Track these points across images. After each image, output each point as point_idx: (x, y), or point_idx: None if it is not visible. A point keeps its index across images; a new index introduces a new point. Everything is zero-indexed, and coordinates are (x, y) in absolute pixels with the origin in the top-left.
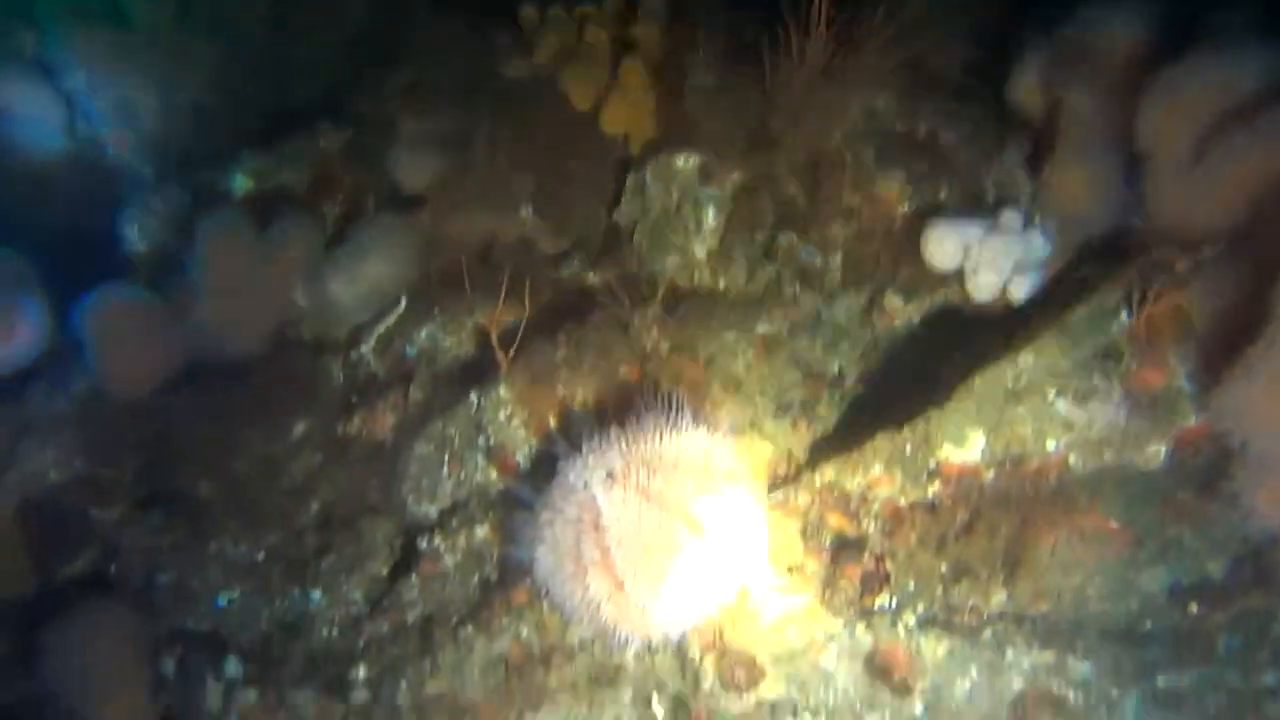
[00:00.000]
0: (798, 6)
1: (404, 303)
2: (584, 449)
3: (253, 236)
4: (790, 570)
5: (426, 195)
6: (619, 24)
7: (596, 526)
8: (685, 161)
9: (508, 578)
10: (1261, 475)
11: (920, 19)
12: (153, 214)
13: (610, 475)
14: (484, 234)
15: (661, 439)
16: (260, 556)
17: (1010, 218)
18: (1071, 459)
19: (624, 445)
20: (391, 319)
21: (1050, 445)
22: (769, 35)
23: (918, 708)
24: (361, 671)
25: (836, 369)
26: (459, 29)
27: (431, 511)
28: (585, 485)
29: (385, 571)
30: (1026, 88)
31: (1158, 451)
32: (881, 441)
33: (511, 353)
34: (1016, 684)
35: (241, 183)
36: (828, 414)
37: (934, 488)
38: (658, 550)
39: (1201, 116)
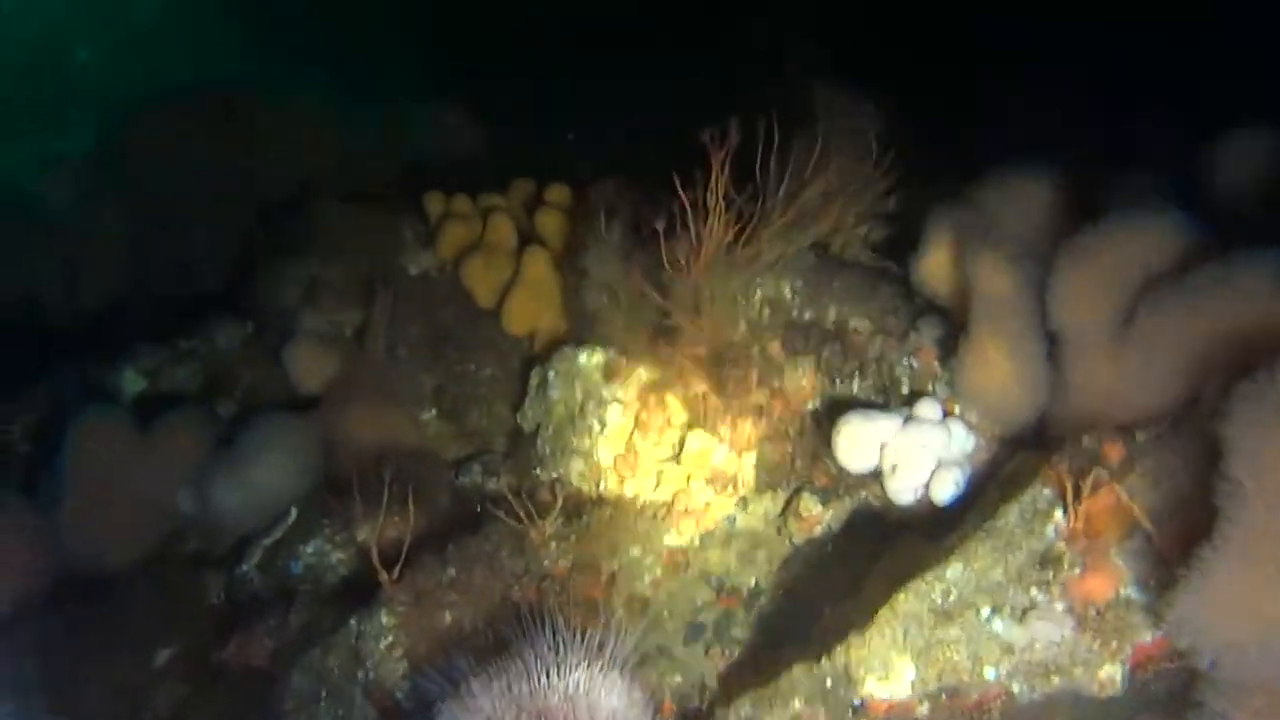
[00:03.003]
0: (695, 186)
1: (294, 513)
2: (461, 690)
3: (132, 432)
4: None
5: (323, 395)
6: (524, 214)
7: None
8: (588, 358)
9: None
10: (1238, 699)
11: (825, 197)
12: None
13: None
14: (382, 437)
15: (549, 678)
16: None
17: (927, 408)
18: (1015, 687)
19: (503, 687)
20: (279, 532)
21: (989, 673)
22: (668, 218)
23: None
24: None
25: (753, 583)
26: (364, 220)
27: None
28: None
29: None
30: (935, 262)
31: (1113, 675)
32: (799, 673)
33: (397, 571)
34: None
35: (132, 380)
36: (743, 635)
37: None
38: None
39: (1122, 283)
